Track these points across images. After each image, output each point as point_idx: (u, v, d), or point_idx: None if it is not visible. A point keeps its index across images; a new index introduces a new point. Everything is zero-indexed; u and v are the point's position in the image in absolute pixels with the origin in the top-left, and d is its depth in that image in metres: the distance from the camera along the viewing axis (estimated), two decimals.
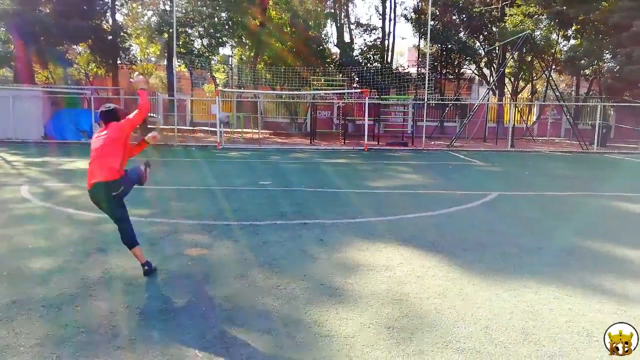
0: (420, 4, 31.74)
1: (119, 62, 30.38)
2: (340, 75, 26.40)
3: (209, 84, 38.91)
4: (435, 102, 27.67)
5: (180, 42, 24.80)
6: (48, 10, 24.30)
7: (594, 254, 5.35)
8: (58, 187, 9.42)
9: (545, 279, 4.49)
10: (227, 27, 24.33)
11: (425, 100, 22.05)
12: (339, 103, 25.31)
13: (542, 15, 26.93)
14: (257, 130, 25.12)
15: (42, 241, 5.52)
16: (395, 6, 31.35)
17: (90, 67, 32.48)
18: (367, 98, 19.52)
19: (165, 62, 33.48)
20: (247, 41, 25.12)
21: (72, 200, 7.95)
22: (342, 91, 22.89)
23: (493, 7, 29.21)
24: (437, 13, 29.90)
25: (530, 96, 33.73)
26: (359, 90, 20.55)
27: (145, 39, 29.46)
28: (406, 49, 39.02)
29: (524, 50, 26.55)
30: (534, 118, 30.48)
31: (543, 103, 29.65)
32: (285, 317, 3.60)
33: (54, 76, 32.30)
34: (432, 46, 29.22)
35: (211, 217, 6.79)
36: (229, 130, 24.80)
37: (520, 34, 21.98)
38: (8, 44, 25.69)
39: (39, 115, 20.13)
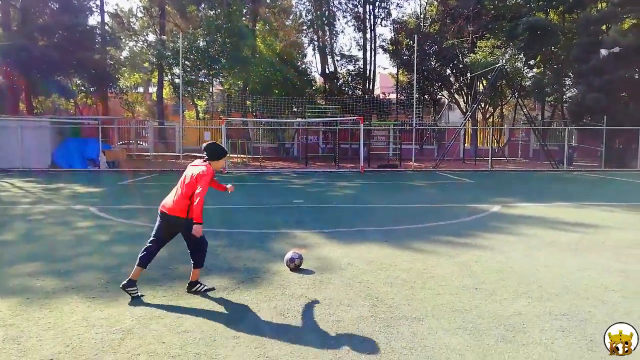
0: (396, 36, 34.37)
1: (109, 91, 31.43)
2: (324, 102, 28.16)
3: (189, 111, 40.20)
4: (419, 127, 29.83)
5: (178, 73, 26.10)
6: (46, 43, 25.15)
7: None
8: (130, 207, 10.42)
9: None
10: (224, 60, 25.79)
11: (414, 125, 24.00)
12: (323, 128, 27.46)
13: (508, 47, 29.69)
14: (251, 156, 26.47)
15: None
16: (374, 38, 33.78)
17: (79, 97, 33.17)
18: (362, 125, 21.23)
19: (150, 89, 34.57)
20: (241, 72, 26.62)
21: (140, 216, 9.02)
22: (336, 119, 24.55)
23: (464, 39, 31.95)
24: (412, 43, 32.37)
25: (499, 120, 36.51)
26: (354, 118, 22.22)
27: (140, 74, 30.56)
28: (385, 76, 41.54)
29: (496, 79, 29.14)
30: (505, 140, 33.07)
31: (513, 127, 32.35)
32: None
33: (43, 106, 32.87)
34: (410, 75, 31.67)
35: (298, 227, 8.06)
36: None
37: (494, 66, 24.37)
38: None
39: (46, 145, 20.81)
